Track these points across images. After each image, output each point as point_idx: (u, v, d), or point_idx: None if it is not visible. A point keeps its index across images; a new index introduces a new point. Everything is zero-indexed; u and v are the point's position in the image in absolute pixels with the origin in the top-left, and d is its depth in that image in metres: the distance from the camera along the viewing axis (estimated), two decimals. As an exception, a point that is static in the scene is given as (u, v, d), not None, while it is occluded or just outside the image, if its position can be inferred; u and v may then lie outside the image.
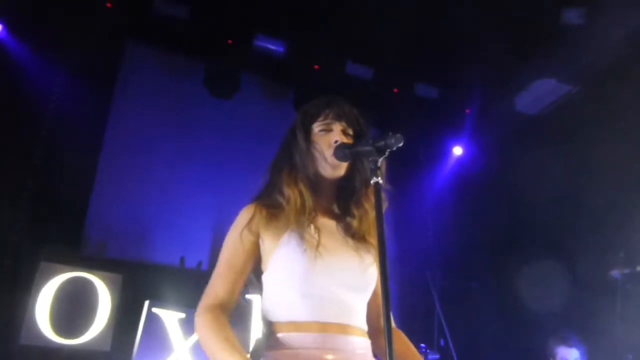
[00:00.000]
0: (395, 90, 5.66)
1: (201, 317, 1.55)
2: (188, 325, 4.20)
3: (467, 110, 5.90)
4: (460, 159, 6.07)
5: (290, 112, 5.29)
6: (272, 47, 5.26)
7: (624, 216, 4.22)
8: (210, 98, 5.23)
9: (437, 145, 6.10)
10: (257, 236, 1.63)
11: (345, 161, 1.66)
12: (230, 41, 5.16)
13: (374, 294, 1.69)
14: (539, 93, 5.40)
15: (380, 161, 1.47)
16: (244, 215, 1.66)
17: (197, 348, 4.18)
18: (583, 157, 4.77)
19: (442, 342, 4.71)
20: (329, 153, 1.64)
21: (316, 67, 5.39)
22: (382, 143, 1.45)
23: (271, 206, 1.65)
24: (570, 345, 3.94)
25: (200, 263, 5.00)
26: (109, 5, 4.76)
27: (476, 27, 4.77)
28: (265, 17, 5.15)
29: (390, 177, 1.56)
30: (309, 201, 1.63)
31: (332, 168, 1.66)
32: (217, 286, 1.61)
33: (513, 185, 5.43)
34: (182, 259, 4.94)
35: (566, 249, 4.69)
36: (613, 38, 4.60)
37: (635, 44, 4.44)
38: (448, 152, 6.12)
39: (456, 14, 4.68)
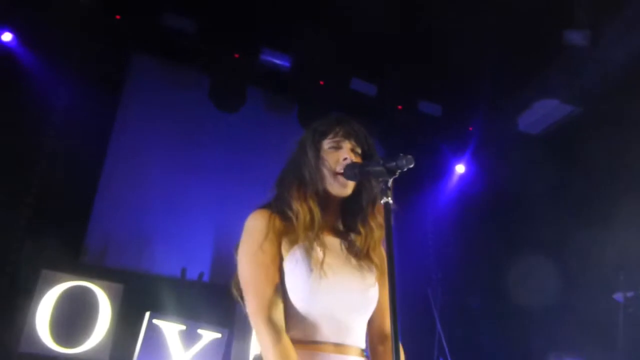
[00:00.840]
0: (399, 107, 5.70)
1: (262, 331, 1.50)
2: (188, 337, 4.19)
3: (470, 128, 5.92)
4: (462, 177, 6.07)
5: (295, 127, 5.31)
6: (278, 62, 5.31)
7: (626, 237, 4.22)
8: (215, 111, 5.26)
9: (439, 163, 6.11)
10: (280, 243, 1.60)
11: (355, 180, 1.65)
12: (236, 55, 5.21)
13: (374, 312, 1.68)
14: (542, 113, 5.43)
15: (391, 182, 1.47)
16: (260, 220, 1.62)
17: (197, 360, 4.17)
18: (585, 176, 4.79)
19: (441, 360, 4.69)
20: (337, 170, 1.64)
21: (321, 82, 5.43)
22: (393, 164, 1.45)
23: (282, 218, 1.64)
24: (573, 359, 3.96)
25: (201, 275, 4.99)
26: (117, 17, 4.82)
27: (480, 47, 4.81)
28: (271, 32, 5.20)
29: (393, 194, 1.53)
30: (318, 218, 1.63)
31: (340, 186, 1.65)
32: (259, 286, 1.55)
33: (515, 204, 5.45)
34: (183, 270, 4.92)
35: (568, 267, 4.69)
36: (616, 59, 4.65)
37: (637, 65, 4.48)
38: (451, 169, 6.12)
39: (460, 33, 4.73)
